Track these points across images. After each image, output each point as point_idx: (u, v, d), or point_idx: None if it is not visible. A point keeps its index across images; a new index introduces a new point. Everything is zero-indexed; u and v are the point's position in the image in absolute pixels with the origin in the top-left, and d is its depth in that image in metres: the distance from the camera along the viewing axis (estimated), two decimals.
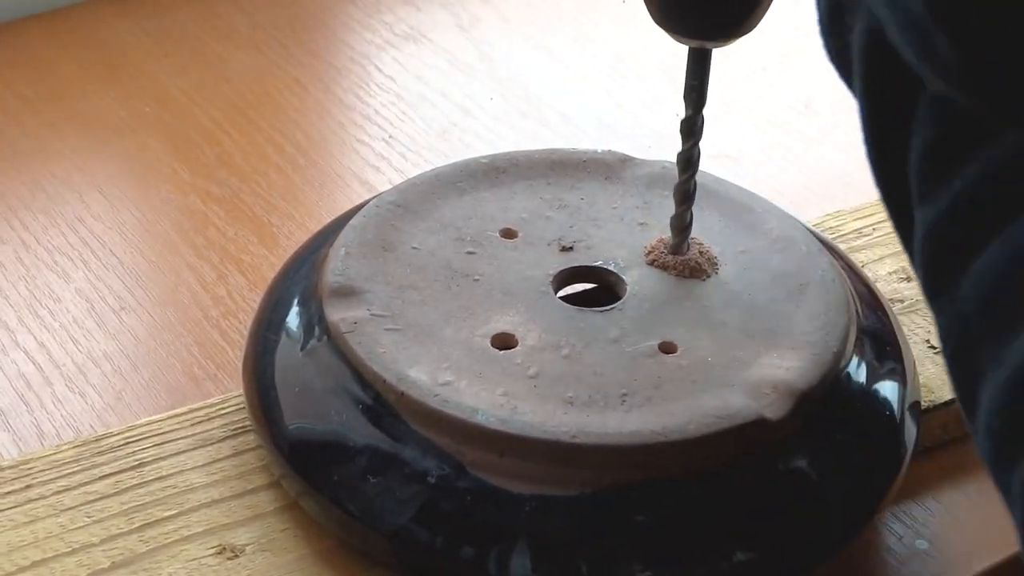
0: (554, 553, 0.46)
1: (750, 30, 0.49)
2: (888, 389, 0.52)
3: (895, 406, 0.51)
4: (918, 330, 0.58)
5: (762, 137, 0.75)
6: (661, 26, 0.50)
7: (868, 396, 0.51)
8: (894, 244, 0.62)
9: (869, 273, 0.59)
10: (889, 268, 0.61)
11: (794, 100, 0.78)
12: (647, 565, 0.46)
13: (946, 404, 0.55)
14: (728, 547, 0.47)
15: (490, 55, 0.80)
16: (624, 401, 0.48)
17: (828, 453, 0.49)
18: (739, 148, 0.74)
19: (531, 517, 0.46)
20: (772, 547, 0.48)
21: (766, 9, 0.49)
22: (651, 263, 0.54)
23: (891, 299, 0.58)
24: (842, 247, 0.61)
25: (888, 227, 0.63)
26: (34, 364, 0.59)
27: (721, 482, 0.47)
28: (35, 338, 0.61)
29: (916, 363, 0.55)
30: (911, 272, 0.60)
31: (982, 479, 0.54)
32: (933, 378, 0.55)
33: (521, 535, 0.46)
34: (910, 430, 0.51)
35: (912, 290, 0.60)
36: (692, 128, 0.52)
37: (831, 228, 0.63)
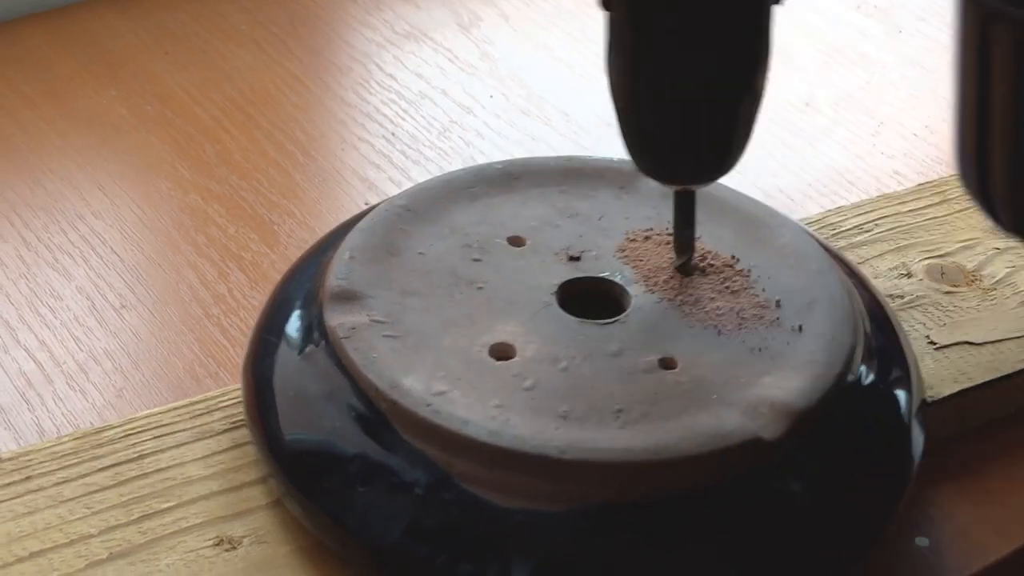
0: (540, 569, 0.45)
1: (731, 169, 0.50)
2: (892, 409, 0.51)
3: (899, 426, 0.50)
4: (918, 326, 0.58)
5: (763, 135, 0.74)
6: (644, 173, 0.50)
7: (871, 418, 0.50)
8: (894, 240, 0.62)
9: (869, 269, 0.59)
10: (889, 264, 0.61)
11: (795, 98, 0.78)
12: None
13: (946, 400, 0.55)
14: (719, 569, 0.46)
15: (491, 53, 0.81)
16: (618, 417, 0.47)
17: (827, 475, 0.48)
18: None
19: (518, 532, 0.45)
20: (765, 570, 0.46)
21: (745, 147, 0.49)
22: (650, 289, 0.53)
23: (890, 295, 0.58)
24: (843, 243, 0.61)
25: (888, 223, 0.64)
26: (35, 362, 0.59)
27: (713, 502, 0.46)
28: (36, 336, 0.61)
29: (917, 361, 0.54)
30: (911, 268, 0.61)
31: (983, 476, 0.54)
32: (932, 374, 0.55)
33: (507, 550, 0.45)
34: (917, 443, 0.50)
35: (912, 286, 0.60)
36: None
37: (832, 225, 0.63)
